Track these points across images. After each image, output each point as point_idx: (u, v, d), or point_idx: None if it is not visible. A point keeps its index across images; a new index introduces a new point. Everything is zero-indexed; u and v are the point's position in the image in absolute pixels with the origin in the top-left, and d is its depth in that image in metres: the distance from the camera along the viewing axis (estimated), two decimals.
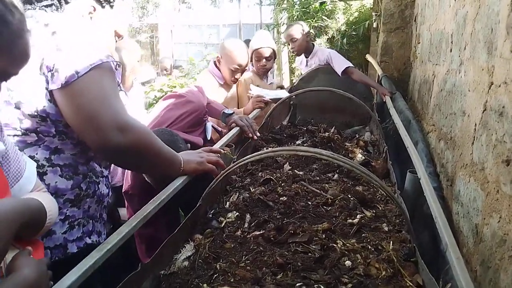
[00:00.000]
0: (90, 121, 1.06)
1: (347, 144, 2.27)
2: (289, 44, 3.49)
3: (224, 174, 1.37)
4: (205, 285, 1.07)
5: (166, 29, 11.80)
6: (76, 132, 1.14)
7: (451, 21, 1.89)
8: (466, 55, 1.58)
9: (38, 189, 0.97)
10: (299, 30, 3.31)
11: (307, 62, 3.46)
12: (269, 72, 3.22)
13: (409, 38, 3.18)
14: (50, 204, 0.90)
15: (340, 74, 3.06)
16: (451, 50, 1.87)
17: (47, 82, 1.09)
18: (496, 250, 1.07)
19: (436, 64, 2.18)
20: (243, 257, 1.20)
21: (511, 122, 1.07)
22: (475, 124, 1.37)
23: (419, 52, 2.82)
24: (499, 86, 1.19)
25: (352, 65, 3.08)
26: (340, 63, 3.08)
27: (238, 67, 2.67)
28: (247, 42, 3.36)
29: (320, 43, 5.94)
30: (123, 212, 2.18)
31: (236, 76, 2.73)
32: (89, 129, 1.07)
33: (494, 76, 1.24)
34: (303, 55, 3.48)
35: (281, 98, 2.57)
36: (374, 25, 4.20)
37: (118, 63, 1.22)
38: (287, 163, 1.88)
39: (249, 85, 2.87)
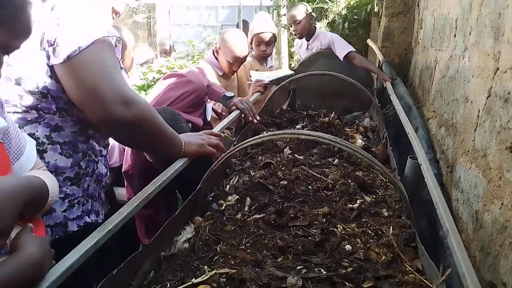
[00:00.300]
0: (92, 94, 1.05)
1: (347, 129, 2.27)
2: (291, 26, 3.36)
3: (225, 156, 1.36)
4: (205, 267, 1.07)
5: (164, 9, 11.60)
6: (79, 106, 1.12)
7: (456, 6, 1.86)
8: (471, 40, 1.56)
9: (38, 167, 0.96)
10: (302, 10, 3.21)
11: (307, 45, 3.40)
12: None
13: (412, 23, 3.14)
14: (51, 182, 0.89)
15: (341, 59, 3.03)
16: (455, 36, 1.85)
17: (48, 58, 1.07)
18: (496, 237, 1.08)
19: (439, 50, 2.15)
20: (244, 240, 1.20)
21: None
22: (479, 111, 1.36)
23: (421, 37, 2.79)
24: (505, 72, 1.17)
25: (354, 50, 3.04)
26: (343, 48, 3.04)
27: (235, 59, 2.62)
28: (245, 23, 3.30)
29: (320, 27, 5.86)
30: (118, 191, 2.17)
31: (234, 68, 2.69)
32: (92, 103, 1.06)
33: (500, 62, 1.23)
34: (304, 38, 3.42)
35: (281, 78, 2.54)
36: (376, 9, 4.14)
37: (118, 38, 1.19)
38: (287, 147, 1.87)
39: (249, 70, 2.84)
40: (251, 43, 2.96)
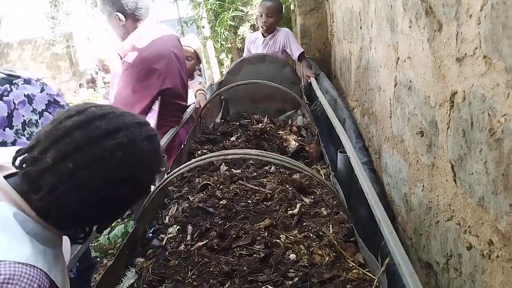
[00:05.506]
0: None
1: (280, 132, 2.30)
2: (261, 16, 3.15)
3: (158, 189, 1.32)
4: None
5: (82, 36, 11.15)
6: None
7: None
8: (374, 32, 1.64)
9: None
10: (279, 8, 3.12)
11: (263, 41, 3.29)
12: (194, 72, 3.15)
13: (324, 18, 3.26)
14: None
15: (296, 58, 3.03)
16: (361, 28, 1.93)
17: None
18: (424, 218, 1.14)
19: (351, 42, 2.25)
20: (189, 272, 1.18)
21: (419, 96, 1.12)
22: (390, 99, 1.43)
23: (335, 31, 2.89)
24: (404, 61, 1.24)
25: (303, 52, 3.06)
26: (297, 47, 3.04)
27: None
28: None
29: (244, 31, 5.92)
30: None
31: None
32: None
33: (399, 52, 1.30)
34: (257, 32, 3.33)
35: None
36: (292, 7, 4.24)
37: None
38: (223, 163, 1.86)
39: None
40: None
